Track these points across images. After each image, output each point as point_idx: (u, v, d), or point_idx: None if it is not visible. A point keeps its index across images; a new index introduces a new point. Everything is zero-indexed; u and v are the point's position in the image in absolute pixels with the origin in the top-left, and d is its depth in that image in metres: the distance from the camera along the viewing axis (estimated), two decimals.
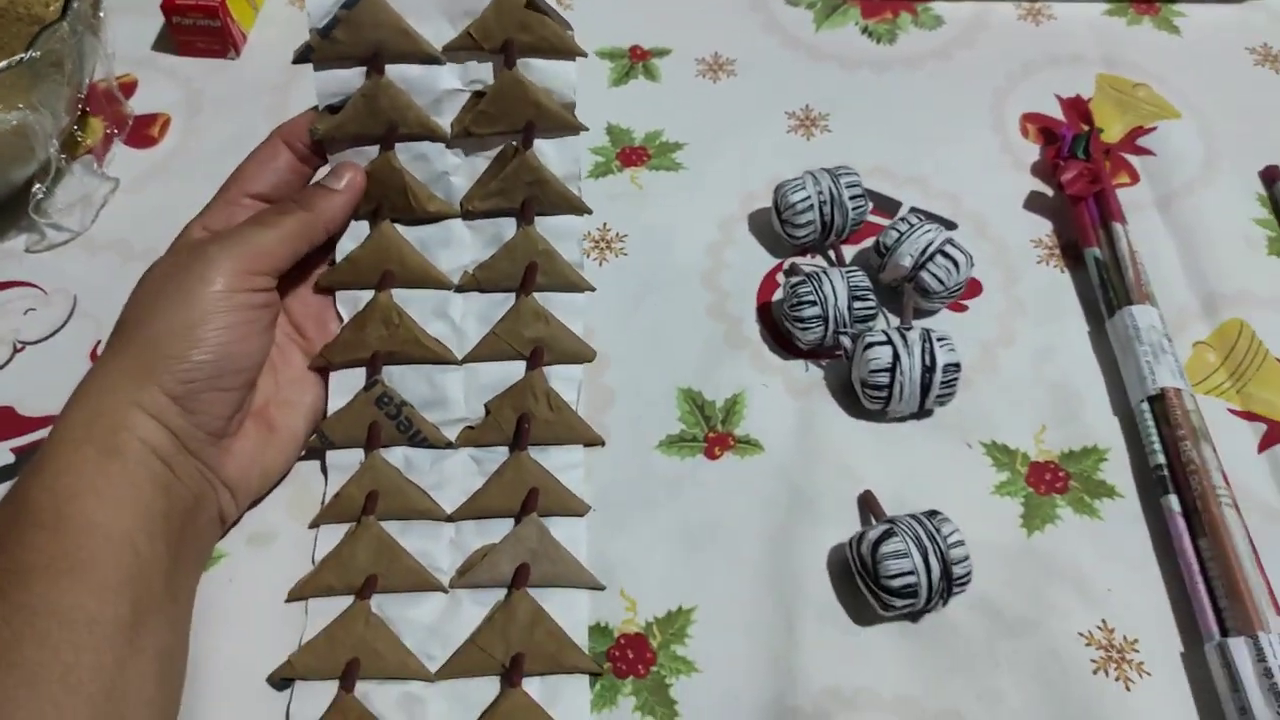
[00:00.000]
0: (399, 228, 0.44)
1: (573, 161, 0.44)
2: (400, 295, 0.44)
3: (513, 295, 0.45)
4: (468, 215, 0.45)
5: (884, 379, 0.42)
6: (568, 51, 0.43)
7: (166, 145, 0.56)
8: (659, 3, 0.62)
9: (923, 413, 0.45)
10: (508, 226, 0.45)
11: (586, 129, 0.44)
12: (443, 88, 0.43)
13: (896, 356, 0.42)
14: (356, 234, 0.44)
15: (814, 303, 0.45)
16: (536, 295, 0.44)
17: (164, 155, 0.56)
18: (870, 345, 0.43)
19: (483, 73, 0.43)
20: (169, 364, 0.36)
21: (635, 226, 0.51)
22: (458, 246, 0.45)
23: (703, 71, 0.59)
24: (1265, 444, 0.44)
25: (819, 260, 0.50)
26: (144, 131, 0.56)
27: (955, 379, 0.43)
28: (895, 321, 0.47)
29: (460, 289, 0.45)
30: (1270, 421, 0.45)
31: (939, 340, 0.43)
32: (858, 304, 0.45)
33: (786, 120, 0.56)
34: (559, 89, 0.43)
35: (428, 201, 0.44)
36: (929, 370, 0.42)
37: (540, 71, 0.43)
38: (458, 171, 0.44)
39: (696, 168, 0.54)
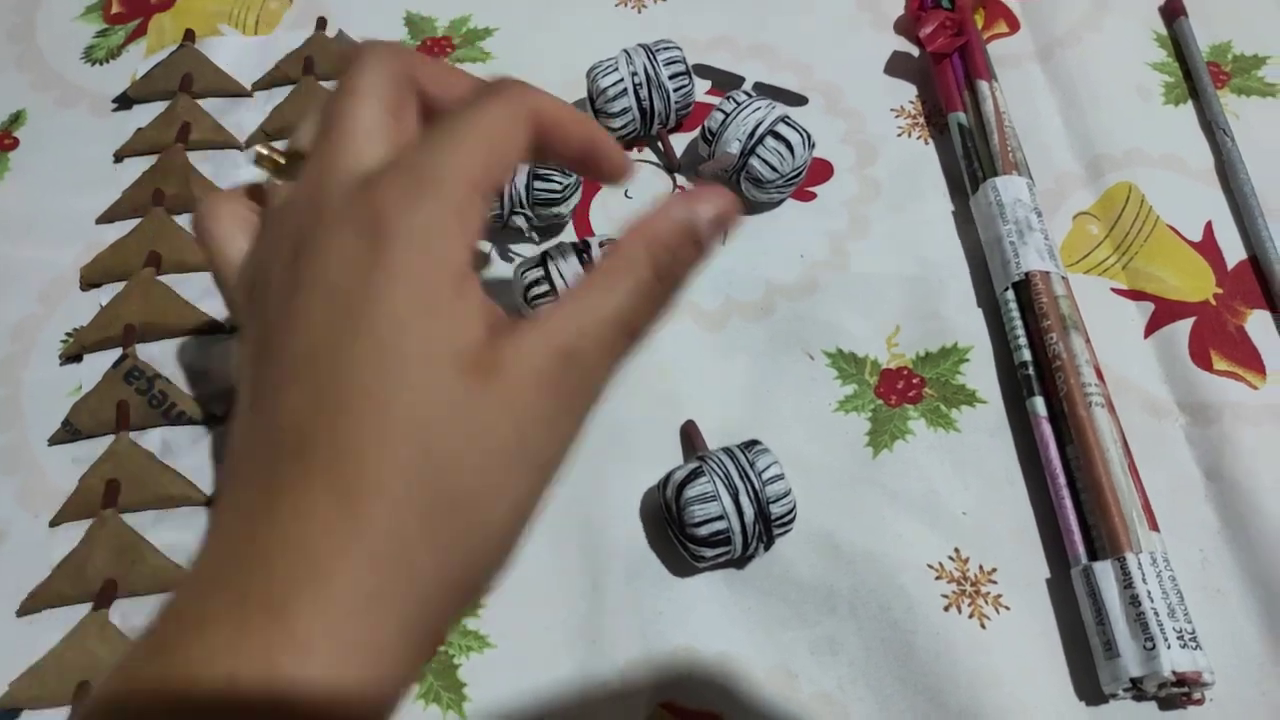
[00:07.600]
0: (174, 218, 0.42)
1: None
2: (168, 280, 0.40)
3: None
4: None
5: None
6: None
7: None
8: None
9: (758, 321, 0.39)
10: None
11: None
12: (245, 112, 0.46)
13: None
14: (125, 229, 0.42)
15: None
16: None
17: None
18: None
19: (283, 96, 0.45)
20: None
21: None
22: None
23: None
24: (1152, 326, 0.39)
25: (646, 154, 0.43)
26: None
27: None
28: None
29: None
30: (1158, 300, 0.39)
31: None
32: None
33: None
34: None
35: (206, 192, 0.42)
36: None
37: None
38: (247, 168, 0.43)
39: (507, 56, 0.47)
